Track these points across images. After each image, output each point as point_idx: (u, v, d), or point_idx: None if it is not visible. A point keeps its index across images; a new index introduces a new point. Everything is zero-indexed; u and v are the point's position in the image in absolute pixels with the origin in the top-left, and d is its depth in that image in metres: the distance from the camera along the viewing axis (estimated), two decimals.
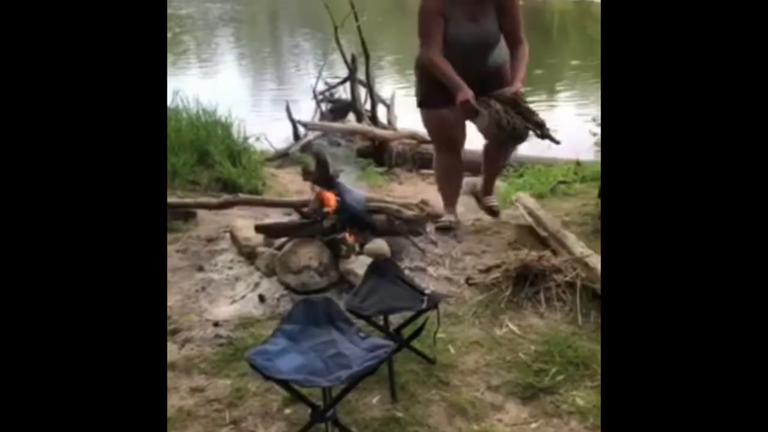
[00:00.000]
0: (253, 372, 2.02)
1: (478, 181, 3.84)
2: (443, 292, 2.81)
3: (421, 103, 3.42)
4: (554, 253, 3.02)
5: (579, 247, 2.96)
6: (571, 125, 6.67)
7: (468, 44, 3.12)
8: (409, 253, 3.13)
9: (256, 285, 2.97)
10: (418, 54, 3.32)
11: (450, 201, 3.58)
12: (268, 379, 1.93)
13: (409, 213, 3.15)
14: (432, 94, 3.27)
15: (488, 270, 2.97)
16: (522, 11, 3.29)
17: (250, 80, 11.61)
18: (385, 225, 3.11)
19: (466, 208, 3.97)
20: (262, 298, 2.87)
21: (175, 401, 2.26)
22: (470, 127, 3.40)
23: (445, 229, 3.39)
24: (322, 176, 3.03)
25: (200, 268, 3.18)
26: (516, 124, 3.09)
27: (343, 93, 7.57)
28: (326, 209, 2.98)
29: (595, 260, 2.79)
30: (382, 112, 7.32)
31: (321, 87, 7.80)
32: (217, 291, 2.98)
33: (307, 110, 7.63)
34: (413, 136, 6.30)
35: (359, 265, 2.84)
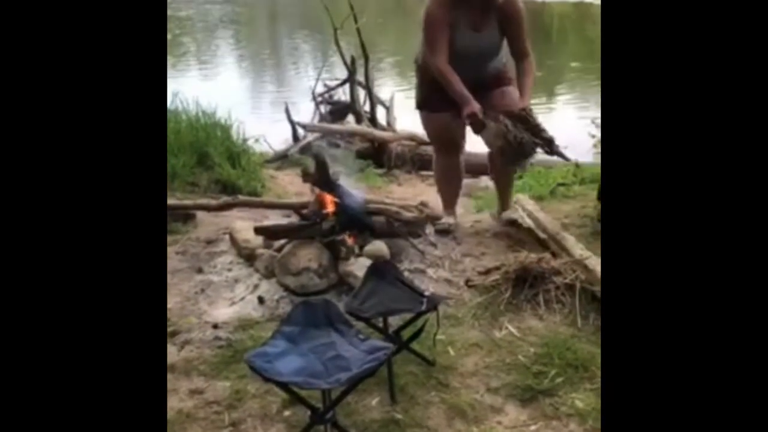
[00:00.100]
0: (253, 374, 2.01)
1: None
2: (443, 294, 2.81)
3: (421, 106, 3.43)
4: (553, 255, 3.03)
5: (578, 249, 2.96)
6: (570, 127, 6.68)
7: (471, 53, 3.12)
8: (408, 255, 3.13)
9: (256, 287, 2.97)
10: (417, 55, 3.32)
11: (449, 203, 3.59)
12: (267, 381, 1.93)
13: (408, 215, 3.15)
14: (432, 97, 3.27)
15: (488, 272, 2.97)
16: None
17: (250, 82, 11.61)
18: (384, 227, 3.11)
19: (466, 210, 3.97)
20: (261, 300, 2.87)
21: (174, 403, 2.26)
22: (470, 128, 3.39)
23: (444, 231, 3.40)
24: (322, 178, 3.03)
25: (199, 270, 3.18)
26: (524, 139, 3.04)
27: (343, 95, 7.58)
28: (325, 211, 2.99)
29: (595, 262, 2.80)
30: (381, 114, 7.33)
31: (320, 89, 7.81)
32: (217, 293, 2.98)
33: (306, 112, 7.64)
34: (412, 137, 6.30)
35: (359, 266, 2.84)
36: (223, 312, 2.82)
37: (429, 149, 5.26)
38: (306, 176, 3.17)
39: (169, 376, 2.36)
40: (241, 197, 3.95)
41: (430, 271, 3.06)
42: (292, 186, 5.32)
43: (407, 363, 2.40)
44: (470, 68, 3.10)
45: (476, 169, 4.36)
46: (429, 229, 3.37)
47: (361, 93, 7.27)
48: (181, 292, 2.99)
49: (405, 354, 2.39)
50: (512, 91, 3.30)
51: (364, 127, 6.81)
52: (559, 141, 3.19)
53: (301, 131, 6.82)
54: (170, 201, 3.79)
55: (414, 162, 6.25)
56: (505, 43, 3.24)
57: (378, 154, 6.35)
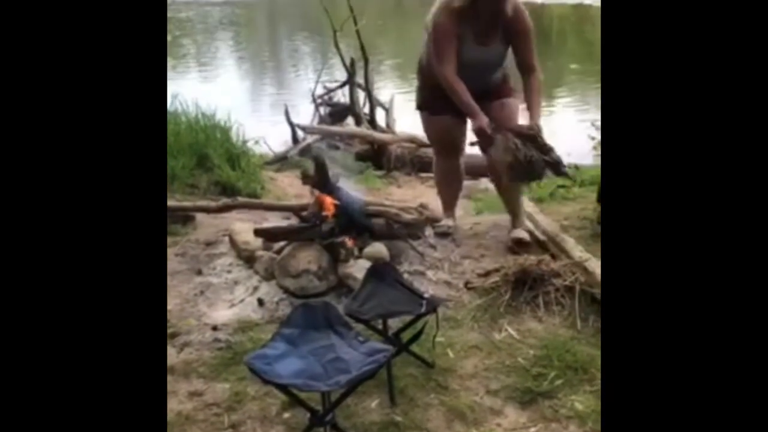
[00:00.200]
0: (252, 376, 2.01)
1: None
2: (442, 296, 2.81)
3: (422, 107, 3.42)
4: (553, 257, 3.03)
5: (578, 252, 2.96)
6: (570, 129, 6.69)
7: (476, 66, 3.10)
8: (408, 257, 3.13)
9: (255, 289, 2.97)
10: (421, 56, 3.31)
11: (449, 205, 3.59)
12: (267, 383, 1.93)
13: (407, 217, 3.15)
14: (433, 100, 3.27)
15: (487, 274, 2.97)
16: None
17: (249, 84, 11.61)
18: (383, 229, 3.11)
19: (465, 212, 3.97)
20: (261, 302, 2.87)
21: (173, 405, 2.25)
22: (470, 130, 3.38)
23: (443, 234, 3.40)
24: (321, 180, 3.04)
25: (199, 272, 3.18)
26: (533, 157, 2.96)
27: (342, 97, 7.59)
28: (325, 213, 2.98)
29: (594, 264, 2.80)
30: (380, 116, 7.33)
31: (320, 91, 7.82)
32: (216, 295, 2.98)
33: (306, 114, 7.65)
34: (412, 139, 6.31)
35: (358, 269, 2.84)
36: (222, 314, 2.82)
37: (428, 151, 5.26)
38: (305, 178, 3.17)
39: (169, 378, 2.36)
40: (241, 199, 3.96)
41: (430, 273, 3.06)
42: (291, 188, 5.32)
43: (407, 365, 2.40)
44: (473, 79, 3.08)
45: (476, 171, 4.36)
46: (428, 231, 3.37)
47: (361, 95, 7.28)
48: (181, 293, 2.99)
49: (404, 356, 2.38)
50: (512, 102, 3.29)
51: (364, 129, 6.82)
52: (559, 143, 3.19)
53: (300, 133, 6.83)
54: (170, 203, 3.79)
55: (413, 164, 6.25)
56: (509, 53, 3.22)
57: (377, 156, 6.35)
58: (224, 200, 3.88)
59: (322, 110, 7.57)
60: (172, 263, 3.24)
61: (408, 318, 2.39)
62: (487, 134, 3.05)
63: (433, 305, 2.37)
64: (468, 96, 3.06)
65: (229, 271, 3.16)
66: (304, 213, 3.15)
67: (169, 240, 3.46)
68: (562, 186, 4.40)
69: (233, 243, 3.33)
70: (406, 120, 6.51)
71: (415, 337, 2.37)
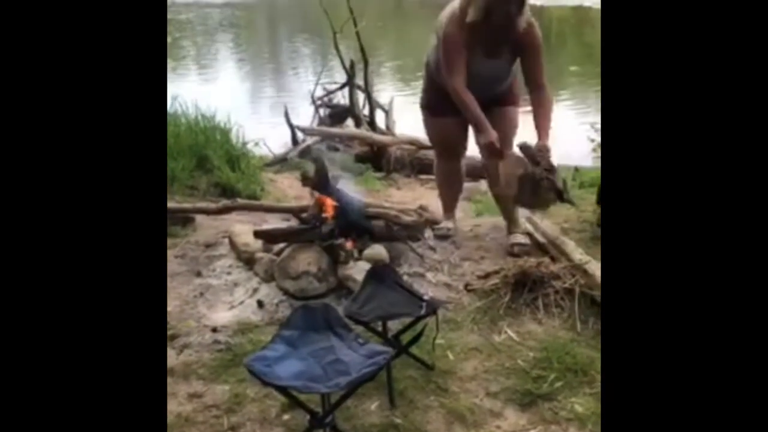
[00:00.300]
0: (252, 378, 2.01)
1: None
2: (442, 298, 2.81)
3: (425, 107, 3.42)
4: (553, 259, 3.03)
5: (577, 254, 2.96)
6: (569, 131, 6.68)
7: (484, 79, 3.08)
8: (407, 259, 3.13)
9: (255, 290, 2.97)
10: (428, 57, 3.30)
11: (449, 207, 3.59)
12: (266, 385, 1.93)
13: (407, 218, 3.15)
14: (438, 102, 3.26)
15: (487, 276, 2.97)
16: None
17: (249, 85, 11.61)
18: (383, 230, 3.11)
19: (465, 214, 3.97)
20: (260, 304, 2.87)
21: (173, 407, 2.25)
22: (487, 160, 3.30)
23: (443, 236, 3.39)
24: (321, 181, 3.04)
25: (198, 274, 3.18)
26: (541, 176, 2.88)
27: (342, 98, 7.58)
28: (325, 214, 2.98)
29: (594, 267, 2.80)
30: (380, 118, 7.33)
31: (320, 92, 7.81)
32: (216, 296, 2.98)
33: (305, 116, 7.64)
34: (412, 141, 6.30)
35: (358, 270, 2.84)
36: (222, 316, 2.82)
37: (428, 153, 5.26)
38: (305, 180, 3.17)
39: (168, 380, 2.35)
40: (241, 201, 3.95)
41: (430, 275, 3.06)
42: (291, 189, 5.31)
43: (406, 367, 2.40)
44: (480, 90, 3.05)
45: (478, 173, 4.35)
46: (428, 233, 3.37)
47: (361, 97, 7.27)
48: (180, 295, 2.99)
49: (404, 358, 2.38)
50: (512, 110, 3.28)
51: (364, 131, 6.82)
52: (559, 145, 3.18)
53: (300, 135, 6.82)
54: (169, 204, 3.78)
55: (413, 166, 6.24)
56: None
57: (377, 158, 6.34)
58: (224, 202, 3.88)
59: (322, 112, 7.56)
60: (172, 265, 3.24)
61: (408, 320, 2.39)
62: (497, 149, 3.02)
63: (432, 307, 2.37)
64: (478, 109, 3.02)
65: (228, 273, 3.16)
66: (304, 215, 3.15)
67: (169, 242, 3.46)
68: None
69: (233, 245, 3.33)
70: (406, 122, 6.50)
71: (415, 339, 2.37)
